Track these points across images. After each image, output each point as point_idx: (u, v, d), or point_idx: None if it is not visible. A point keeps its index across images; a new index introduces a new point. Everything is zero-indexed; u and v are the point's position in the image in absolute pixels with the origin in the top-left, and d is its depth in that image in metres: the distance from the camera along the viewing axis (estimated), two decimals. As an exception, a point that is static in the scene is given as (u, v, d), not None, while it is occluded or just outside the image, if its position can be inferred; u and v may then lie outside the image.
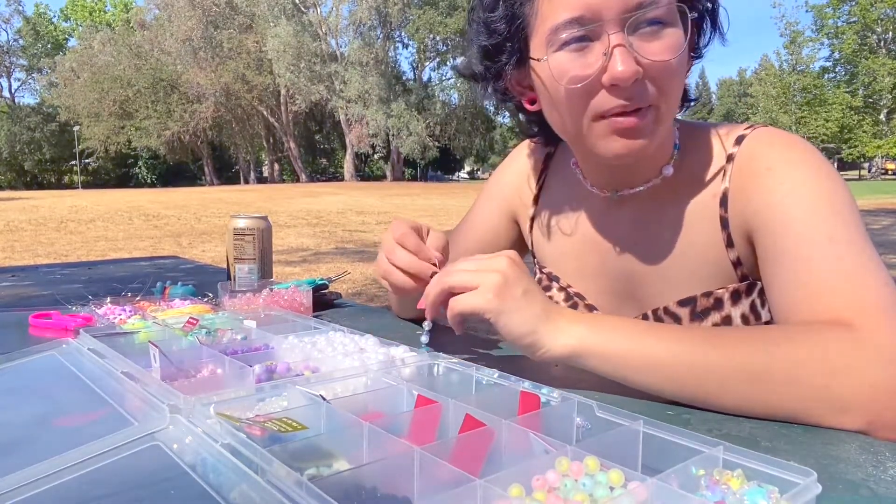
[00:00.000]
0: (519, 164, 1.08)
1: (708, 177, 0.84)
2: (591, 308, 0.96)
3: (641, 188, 0.87)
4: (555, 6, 0.73)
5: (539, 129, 0.95)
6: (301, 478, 0.40)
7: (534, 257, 1.07)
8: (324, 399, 0.56)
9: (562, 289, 0.99)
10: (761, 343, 0.65)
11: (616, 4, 0.70)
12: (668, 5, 0.72)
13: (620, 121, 0.74)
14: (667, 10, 0.72)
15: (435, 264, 0.81)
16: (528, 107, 0.88)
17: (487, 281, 0.70)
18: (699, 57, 0.83)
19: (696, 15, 0.74)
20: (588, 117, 0.76)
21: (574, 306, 0.97)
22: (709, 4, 0.79)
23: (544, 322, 0.69)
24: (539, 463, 0.44)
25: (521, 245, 1.11)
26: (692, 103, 0.89)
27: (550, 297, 1.00)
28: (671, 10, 0.72)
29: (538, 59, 0.77)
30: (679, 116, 0.90)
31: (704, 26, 0.81)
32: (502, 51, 0.82)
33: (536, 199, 1.04)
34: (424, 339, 0.79)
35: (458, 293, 0.72)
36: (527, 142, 1.07)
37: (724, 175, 0.82)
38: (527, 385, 0.61)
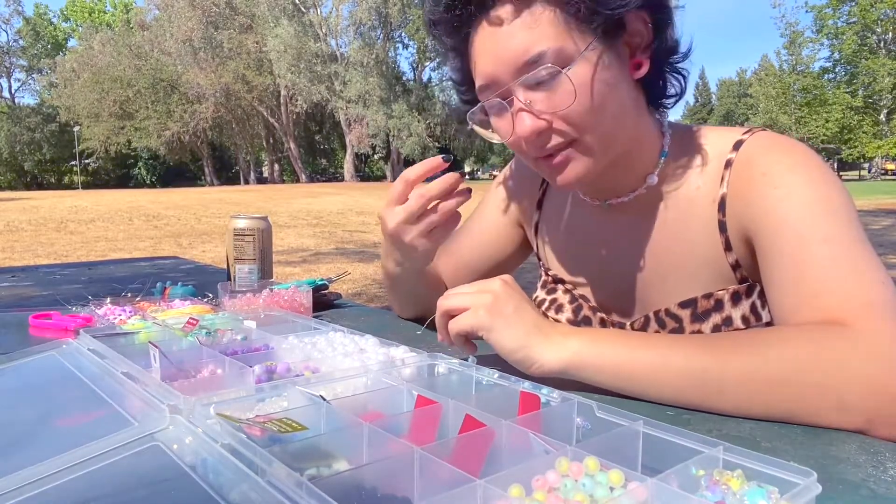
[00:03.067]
0: (523, 168, 1.08)
1: (706, 182, 0.84)
2: (595, 310, 0.96)
3: (628, 197, 0.88)
4: (475, 73, 0.79)
5: None
6: (301, 478, 0.40)
7: (539, 259, 1.08)
8: (324, 399, 0.56)
9: (567, 291, 1.00)
10: (755, 345, 0.65)
11: (506, 71, 0.75)
12: (555, 55, 0.72)
13: (547, 164, 0.79)
14: (556, 58, 0.72)
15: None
16: None
17: (479, 300, 0.73)
18: (663, 55, 0.80)
19: (571, 67, 0.72)
20: (529, 159, 0.81)
21: (579, 308, 0.97)
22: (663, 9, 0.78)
23: (536, 336, 0.70)
24: (539, 463, 0.44)
25: (524, 247, 1.12)
26: (670, 101, 0.86)
27: (555, 299, 1.01)
28: (563, 55, 0.72)
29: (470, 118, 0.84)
30: (677, 118, 0.90)
31: (662, 29, 0.78)
32: (468, 102, 0.88)
33: (540, 204, 1.05)
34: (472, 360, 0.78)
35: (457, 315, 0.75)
36: None
37: (722, 180, 0.82)
38: (527, 385, 0.62)
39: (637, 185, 0.87)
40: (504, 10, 0.73)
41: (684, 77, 0.84)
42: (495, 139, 0.83)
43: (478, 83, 0.79)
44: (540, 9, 0.72)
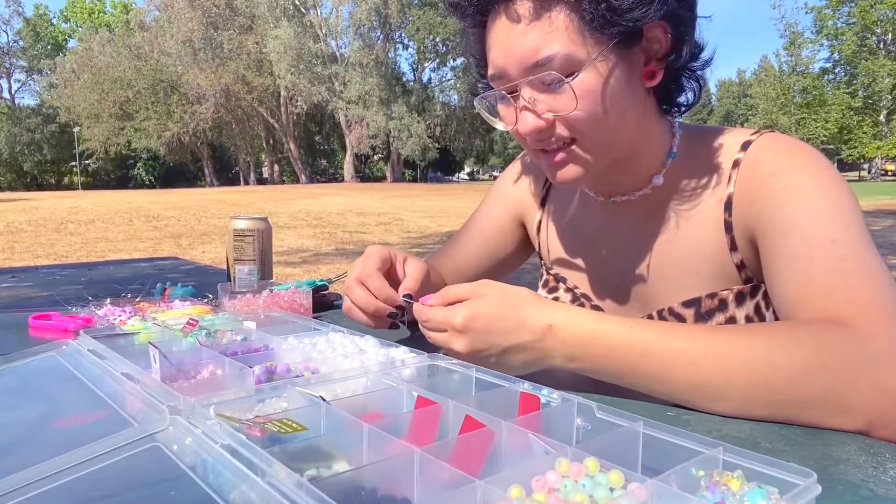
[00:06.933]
0: (526, 166, 1.09)
1: (713, 182, 0.84)
2: (597, 309, 0.96)
3: (633, 196, 0.88)
4: (489, 59, 0.80)
5: None
6: (301, 479, 0.40)
7: (541, 259, 1.08)
8: (324, 400, 0.56)
9: (568, 290, 1.00)
10: (762, 348, 0.65)
11: (516, 65, 0.75)
12: (564, 60, 0.72)
13: (546, 157, 0.81)
14: (564, 63, 0.72)
15: (396, 308, 0.87)
16: None
17: (456, 349, 0.73)
18: (679, 66, 0.80)
19: (576, 75, 0.72)
20: (530, 149, 0.83)
21: (581, 307, 0.97)
22: (688, 14, 0.77)
23: (531, 367, 0.72)
24: (539, 464, 0.44)
25: (526, 247, 1.12)
26: (682, 108, 0.86)
27: (557, 298, 1.01)
28: (571, 61, 0.72)
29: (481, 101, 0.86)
30: (679, 119, 0.90)
31: (681, 40, 0.78)
32: (484, 76, 0.88)
33: (543, 203, 1.05)
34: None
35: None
36: None
37: (729, 180, 0.82)
38: (527, 386, 0.61)
39: (642, 186, 0.87)
40: (523, 7, 0.73)
41: (700, 85, 0.84)
42: (499, 126, 0.84)
43: (489, 71, 0.80)
44: (557, 12, 0.72)
